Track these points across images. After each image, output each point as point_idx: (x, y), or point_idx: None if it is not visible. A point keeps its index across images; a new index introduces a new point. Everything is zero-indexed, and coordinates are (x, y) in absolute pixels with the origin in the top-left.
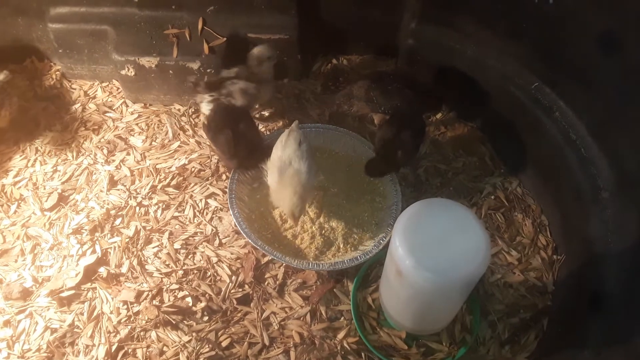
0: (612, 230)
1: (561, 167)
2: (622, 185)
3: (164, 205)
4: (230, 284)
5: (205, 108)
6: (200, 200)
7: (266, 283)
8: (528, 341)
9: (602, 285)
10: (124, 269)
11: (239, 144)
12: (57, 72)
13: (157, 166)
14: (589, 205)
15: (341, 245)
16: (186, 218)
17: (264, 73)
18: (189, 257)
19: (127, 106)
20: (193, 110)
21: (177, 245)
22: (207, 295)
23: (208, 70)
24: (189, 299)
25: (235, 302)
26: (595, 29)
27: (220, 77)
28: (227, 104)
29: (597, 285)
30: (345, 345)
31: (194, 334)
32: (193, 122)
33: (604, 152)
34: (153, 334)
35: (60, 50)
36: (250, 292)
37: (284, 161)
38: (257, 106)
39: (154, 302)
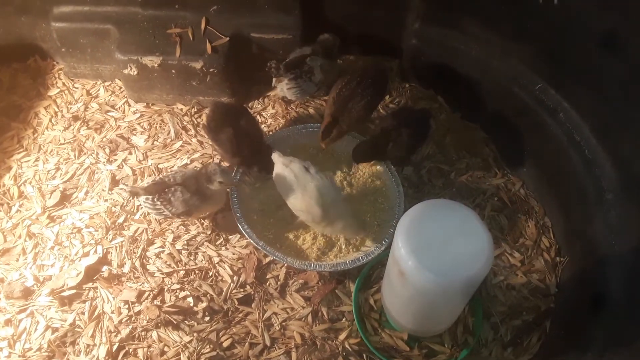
0: (616, 232)
1: (565, 168)
2: (626, 187)
3: None
4: (232, 284)
5: (285, 89)
6: None
7: (268, 283)
8: (531, 343)
9: (606, 287)
10: (125, 269)
11: (242, 142)
12: (60, 71)
13: (159, 166)
14: (592, 207)
15: (343, 246)
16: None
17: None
18: (191, 257)
19: (129, 105)
20: (195, 110)
21: (178, 246)
22: (208, 295)
23: (211, 70)
24: (190, 299)
25: (236, 302)
26: (601, 30)
27: (297, 55)
28: (225, 103)
29: (600, 288)
30: (347, 346)
31: (195, 334)
32: (195, 122)
33: (608, 153)
34: (154, 334)
35: (63, 49)
36: (252, 292)
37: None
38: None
39: (155, 302)
